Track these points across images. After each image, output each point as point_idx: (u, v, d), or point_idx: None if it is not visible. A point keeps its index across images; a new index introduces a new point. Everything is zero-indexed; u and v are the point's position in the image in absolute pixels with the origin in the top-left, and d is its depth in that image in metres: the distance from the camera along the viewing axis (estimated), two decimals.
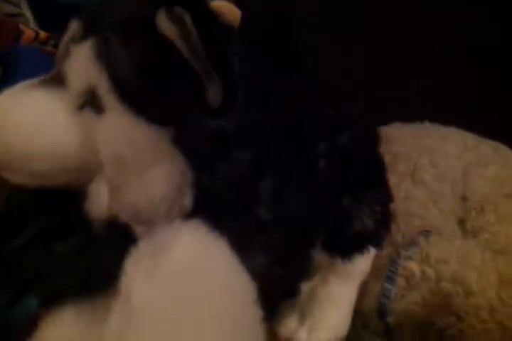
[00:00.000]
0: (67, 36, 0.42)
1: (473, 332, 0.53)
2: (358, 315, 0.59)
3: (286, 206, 0.44)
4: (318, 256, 0.54)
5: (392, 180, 0.67)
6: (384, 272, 0.60)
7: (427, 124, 0.80)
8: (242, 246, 0.38)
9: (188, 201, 0.40)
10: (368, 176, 0.55)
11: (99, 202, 0.42)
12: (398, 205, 0.65)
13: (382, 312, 0.59)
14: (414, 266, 0.58)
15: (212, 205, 0.39)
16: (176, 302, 0.31)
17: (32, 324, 0.43)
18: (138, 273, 0.32)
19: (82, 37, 0.41)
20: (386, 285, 0.59)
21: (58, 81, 0.41)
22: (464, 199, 0.72)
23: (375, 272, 0.60)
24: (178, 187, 0.40)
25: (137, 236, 0.41)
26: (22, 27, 0.73)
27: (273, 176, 0.43)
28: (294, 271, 0.47)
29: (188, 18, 0.38)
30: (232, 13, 0.80)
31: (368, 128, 0.56)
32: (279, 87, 0.49)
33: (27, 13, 0.75)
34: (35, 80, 0.43)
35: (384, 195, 0.58)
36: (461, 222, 0.71)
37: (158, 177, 0.41)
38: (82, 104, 0.40)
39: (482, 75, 0.94)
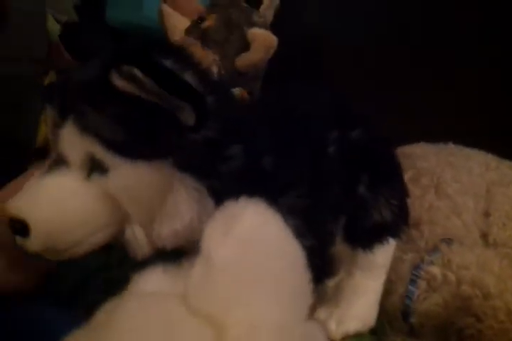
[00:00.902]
0: (50, 124, 0.47)
1: (491, 332, 0.56)
2: (384, 314, 0.62)
3: (293, 171, 0.50)
4: (341, 249, 0.57)
5: (416, 192, 0.72)
6: (408, 275, 0.63)
7: (450, 145, 0.84)
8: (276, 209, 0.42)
9: (211, 208, 0.45)
10: (382, 168, 0.58)
11: (139, 244, 0.47)
12: (422, 215, 0.70)
13: (406, 313, 0.62)
14: (436, 271, 0.62)
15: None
16: (246, 261, 0.37)
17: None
18: (215, 237, 0.37)
19: (61, 119, 0.44)
20: (410, 287, 0.62)
21: (59, 163, 0.45)
22: (487, 214, 0.76)
23: (399, 274, 0.64)
24: (200, 199, 0.45)
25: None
26: None
27: (271, 154, 0.49)
28: (323, 242, 0.51)
29: (137, 72, 0.41)
30: (269, 40, 0.87)
31: (378, 130, 0.59)
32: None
33: None
34: (39, 172, 0.46)
35: (400, 190, 0.61)
36: (485, 236, 0.75)
37: (180, 200, 0.45)
38: (88, 172, 0.44)
39: (482, 75, 0.95)
